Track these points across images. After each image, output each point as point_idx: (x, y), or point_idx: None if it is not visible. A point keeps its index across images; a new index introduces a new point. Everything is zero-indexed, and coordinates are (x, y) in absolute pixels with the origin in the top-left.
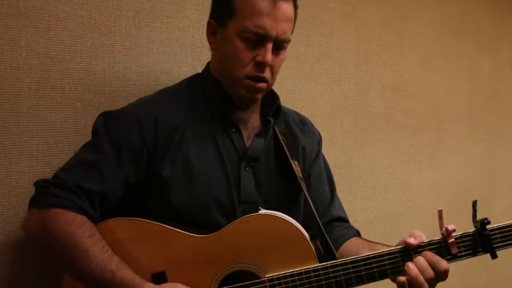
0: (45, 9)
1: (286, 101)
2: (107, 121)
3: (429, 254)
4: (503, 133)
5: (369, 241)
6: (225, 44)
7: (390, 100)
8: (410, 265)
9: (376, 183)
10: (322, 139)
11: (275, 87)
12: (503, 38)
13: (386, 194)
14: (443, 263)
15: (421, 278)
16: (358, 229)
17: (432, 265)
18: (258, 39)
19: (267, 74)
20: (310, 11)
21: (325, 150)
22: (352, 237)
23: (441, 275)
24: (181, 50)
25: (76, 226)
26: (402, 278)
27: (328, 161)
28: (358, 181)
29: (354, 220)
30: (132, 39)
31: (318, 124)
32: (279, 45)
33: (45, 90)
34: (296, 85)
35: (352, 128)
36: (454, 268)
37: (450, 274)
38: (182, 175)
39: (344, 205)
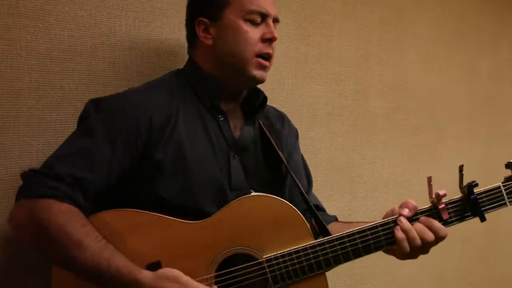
0: (45, 9)
1: (286, 101)
2: (99, 109)
3: (424, 218)
4: (503, 133)
5: (351, 222)
6: (227, 32)
7: (390, 100)
8: (403, 219)
9: (376, 183)
10: (322, 139)
11: (275, 87)
12: (503, 38)
13: (386, 194)
14: (436, 224)
15: (413, 231)
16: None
17: (429, 228)
18: (261, 19)
19: (272, 51)
20: (310, 11)
21: (325, 150)
22: (332, 221)
23: (439, 237)
24: (181, 50)
25: (69, 216)
26: (400, 233)
27: (328, 161)
28: (358, 181)
29: (354, 220)
30: (132, 39)
31: (318, 124)
32: (274, 25)
33: (45, 90)
34: (296, 85)
35: (352, 128)
36: (454, 265)
37: (449, 272)
38: (177, 160)
39: (344, 205)
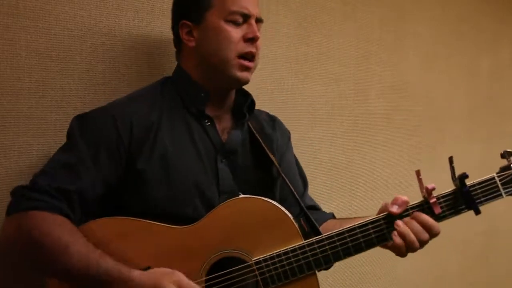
0: (45, 9)
1: (286, 101)
2: (82, 123)
3: (419, 217)
4: (503, 133)
5: (349, 218)
6: (210, 34)
7: (390, 100)
8: (400, 223)
9: (376, 183)
10: (322, 139)
11: (275, 87)
12: (503, 38)
13: (386, 194)
14: (425, 218)
15: (412, 235)
16: None
17: (422, 225)
18: (243, 20)
19: (255, 51)
20: (310, 11)
21: (325, 150)
22: (329, 219)
23: (433, 235)
24: None
25: (55, 224)
26: (398, 239)
27: (328, 161)
28: (358, 181)
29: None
30: (132, 39)
31: (318, 124)
32: (258, 25)
33: (45, 90)
34: (296, 85)
35: (352, 128)
36: (454, 264)
37: (449, 272)
38: (160, 168)
39: (344, 205)
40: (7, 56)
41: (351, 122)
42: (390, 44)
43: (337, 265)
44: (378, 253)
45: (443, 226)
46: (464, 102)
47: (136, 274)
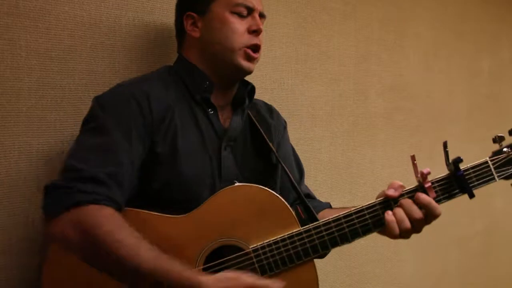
0: (45, 9)
1: (286, 101)
2: (104, 104)
3: (417, 195)
4: (503, 133)
5: (346, 207)
6: (215, 24)
7: (390, 100)
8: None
9: (376, 183)
10: (322, 139)
11: (275, 87)
12: (503, 38)
13: None
14: (425, 198)
15: (402, 213)
16: None
17: (421, 205)
18: (248, 12)
19: (260, 43)
20: (310, 11)
21: (325, 150)
22: (326, 208)
23: (431, 214)
24: None
25: (115, 222)
26: (389, 217)
27: (328, 161)
28: (358, 181)
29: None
30: (132, 39)
31: (318, 124)
32: (261, 20)
33: (45, 90)
34: (296, 85)
35: (352, 128)
36: (454, 266)
37: (449, 271)
38: (169, 152)
39: (344, 205)
40: (7, 56)
41: (351, 122)
42: (390, 44)
43: (337, 264)
44: (378, 253)
45: (442, 226)
46: (464, 102)
47: (204, 279)
